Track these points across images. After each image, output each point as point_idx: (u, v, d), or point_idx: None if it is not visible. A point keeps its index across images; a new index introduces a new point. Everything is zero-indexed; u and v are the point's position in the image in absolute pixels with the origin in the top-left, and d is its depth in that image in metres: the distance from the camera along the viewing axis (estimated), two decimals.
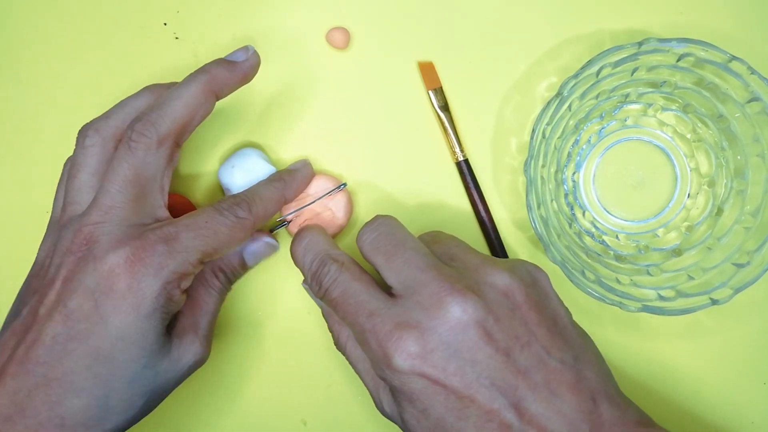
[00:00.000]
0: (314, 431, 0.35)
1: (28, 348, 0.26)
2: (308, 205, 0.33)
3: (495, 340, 0.26)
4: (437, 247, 0.30)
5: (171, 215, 0.29)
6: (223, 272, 0.32)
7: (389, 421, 0.29)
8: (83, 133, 0.30)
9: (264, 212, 0.30)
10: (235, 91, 0.36)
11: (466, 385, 0.25)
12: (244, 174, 0.33)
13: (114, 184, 0.27)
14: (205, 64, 0.30)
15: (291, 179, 0.32)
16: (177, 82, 0.30)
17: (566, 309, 0.29)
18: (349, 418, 0.35)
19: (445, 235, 0.31)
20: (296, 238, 0.31)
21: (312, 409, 0.35)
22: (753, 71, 0.31)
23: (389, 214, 0.35)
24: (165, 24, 0.36)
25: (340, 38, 0.35)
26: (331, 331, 0.31)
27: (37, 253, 0.30)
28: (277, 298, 0.35)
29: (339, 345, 0.31)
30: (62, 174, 0.32)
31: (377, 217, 0.30)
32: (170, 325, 0.29)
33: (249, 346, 0.35)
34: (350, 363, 0.30)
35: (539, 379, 0.25)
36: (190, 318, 0.30)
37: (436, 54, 0.36)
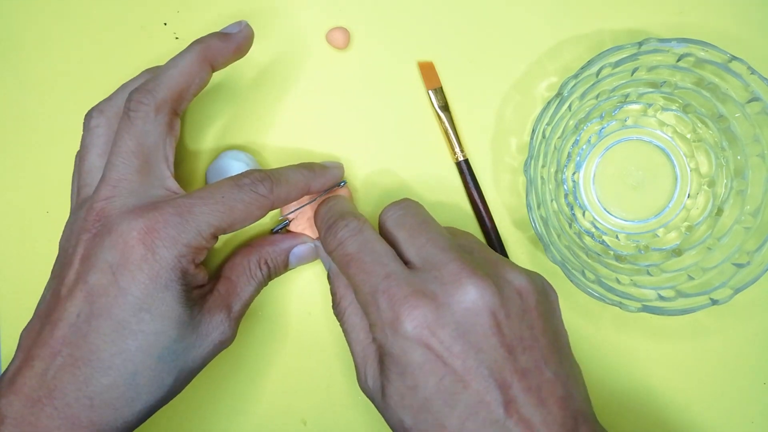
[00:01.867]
0: (314, 431, 0.35)
1: (53, 328, 0.26)
2: (309, 203, 0.33)
3: (503, 333, 0.25)
4: (457, 239, 0.30)
5: None
6: (267, 266, 0.32)
7: (383, 418, 0.28)
8: (88, 115, 0.30)
9: (286, 195, 0.30)
10: (234, 92, 0.36)
11: (466, 369, 0.25)
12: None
13: (118, 156, 0.28)
14: (201, 37, 0.30)
15: (321, 171, 0.32)
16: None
17: (566, 332, 0.29)
18: (349, 418, 0.35)
19: (463, 231, 0.31)
20: (323, 202, 0.32)
21: (312, 410, 0.35)
22: (753, 71, 0.31)
23: None
24: (165, 24, 0.36)
25: (341, 38, 0.35)
26: (333, 293, 0.31)
27: (59, 243, 0.30)
28: (277, 298, 0.35)
29: (339, 308, 0.30)
30: (75, 164, 0.32)
31: (405, 199, 0.31)
32: (201, 301, 0.29)
33: (249, 347, 0.35)
34: (344, 329, 0.30)
35: (533, 384, 0.25)
36: (225, 298, 0.30)
37: (436, 54, 0.36)
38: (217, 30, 0.31)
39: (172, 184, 0.29)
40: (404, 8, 0.36)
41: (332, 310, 0.31)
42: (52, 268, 0.29)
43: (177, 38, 0.36)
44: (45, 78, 0.36)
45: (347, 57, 0.36)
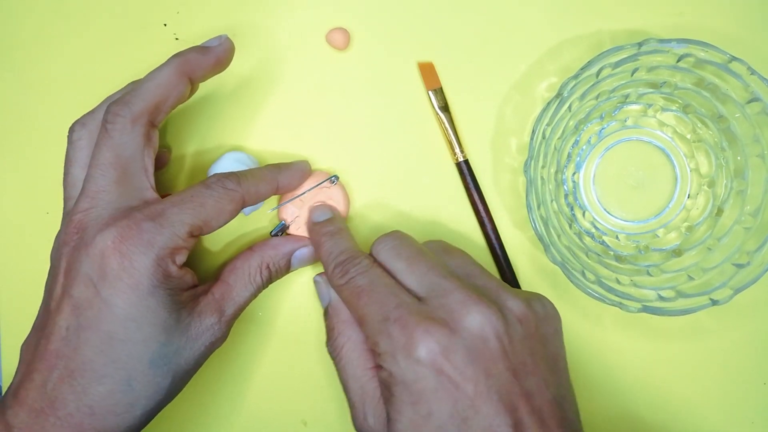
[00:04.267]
0: None
1: (47, 342, 0.26)
2: (303, 194, 0.34)
3: (509, 358, 0.26)
4: (450, 259, 0.30)
5: None
6: (269, 270, 0.32)
7: None
8: (71, 129, 0.31)
9: (255, 189, 0.30)
10: (235, 93, 0.36)
11: (478, 393, 0.25)
12: None
13: (97, 168, 0.28)
14: (181, 51, 0.30)
15: (285, 167, 0.33)
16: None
17: (564, 351, 0.29)
18: (349, 419, 0.35)
19: (455, 248, 0.32)
20: (327, 231, 0.32)
21: (312, 410, 0.35)
22: (753, 72, 0.31)
23: (389, 215, 0.35)
24: (165, 25, 0.36)
25: (340, 39, 0.35)
26: (330, 329, 0.31)
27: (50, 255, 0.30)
28: (277, 299, 0.35)
29: (335, 344, 0.30)
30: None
31: (395, 231, 0.31)
32: (192, 304, 0.29)
33: (249, 347, 0.35)
34: (340, 366, 0.30)
35: (536, 407, 0.26)
36: (219, 302, 0.30)
37: (436, 54, 0.36)
38: (211, 35, 0.31)
39: (151, 195, 0.29)
40: (404, 9, 0.36)
41: (326, 348, 0.31)
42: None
43: (177, 39, 0.36)
44: (45, 78, 0.36)
45: (347, 57, 0.36)
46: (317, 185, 0.34)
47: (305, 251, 0.33)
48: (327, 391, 0.35)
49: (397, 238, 0.30)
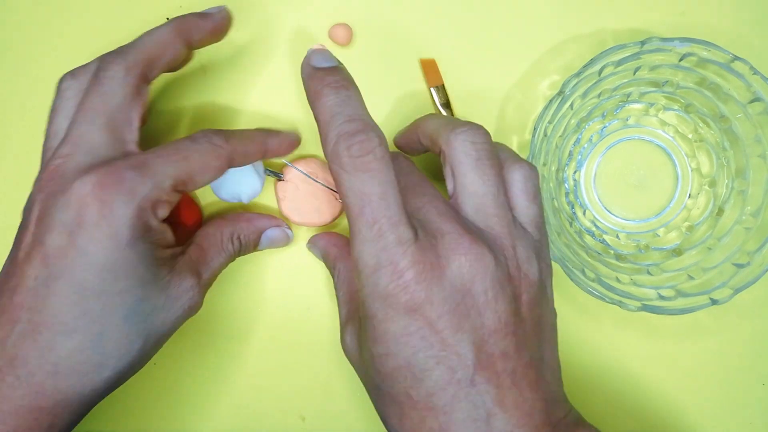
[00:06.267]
0: (313, 427, 0.35)
1: (12, 294, 0.25)
2: (312, 178, 0.34)
3: (488, 315, 0.25)
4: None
5: (173, 212, 0.29)
6: (239, 241, 0.32)
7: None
8: (61, 80, 0.29)
9: (243, 148, 0.29)
10: (236, 87, 0.36)
11: (445, 345, 0.24)
12: (232, 171, 0.32)
13: (82, 114, 0.27)
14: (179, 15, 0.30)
15: (275, 132, 0.32)
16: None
17: (554, 313, 0.29)
18: (347, 414, 0.35)
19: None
20: (332, 82, 0.26)
21: (311, 406, 0.35)
22: (755, 71, 0.31)
23: None
24: (168, 18, 0.36)
25: (343, 35, 0.35)
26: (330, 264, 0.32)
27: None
28: (275, 292, 0.35)
29: (334, 272, 0.32)
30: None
31: (398, 154, 0.30)
32: (171, 262, 0.28)
33: (247, 341, 0.35)
34: (336, 287, 0.31)
35: (509, 367, 0.25)
36: (196, 264, 0.29)
37: (438, 51, 0.36)
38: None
39: (134, 148, 0.27)
40: (407, 5, 0.36)
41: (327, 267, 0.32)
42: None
43: None
44: (46, 72, 0.36)
45: (349, 53, 0.36)
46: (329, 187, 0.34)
47: (276, 232, 0.33)
48: (325, 387, 0.35)
49: (399, 163, 0.29)
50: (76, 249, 0.25)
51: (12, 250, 0.26)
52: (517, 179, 0.28)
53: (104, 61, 0.28)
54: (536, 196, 0.28)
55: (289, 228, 0.34)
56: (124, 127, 0.28)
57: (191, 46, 0.30)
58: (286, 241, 0.34)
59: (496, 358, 0.25)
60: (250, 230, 0.32)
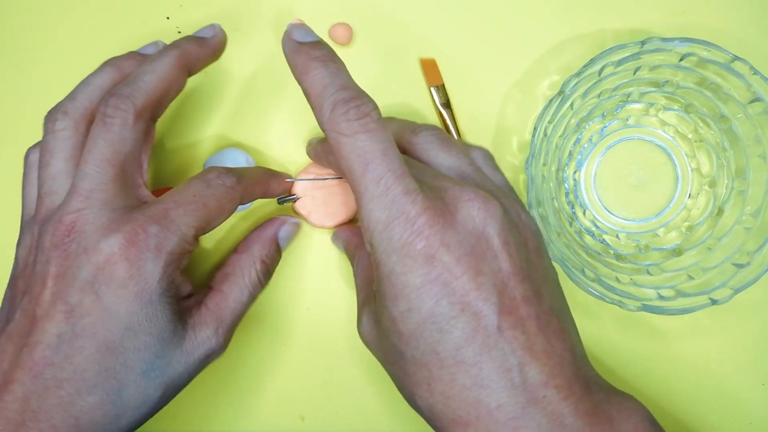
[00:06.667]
0: (312, 427, 0.35)
1: (32, 350, 0.25)
2: (321, 179, 0.34)
3: (505, 259, 0.24)
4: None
5: None
6: (264, 263, 0.31)
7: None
8: (52, 117, 0.28)
9: (252, 190, 0.30)
10: (236, 87, 0.36)
11: (466, 291, 0.23)
12: None
13: (91, 165, 0.26)
14: (176, 41, 0.30)
15: (278, 174, 0.33)
16: (135, 52, 0.31)
17: (555, 271, 0.28)
18: (347, 414, 0.35)
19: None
20: (318, 56, 0.25)
21: (310, 405, 0.35)
22: (755, 71, 0.31)
23: None
24: (168, 18, 0.36)
25: (343, 34, 0.35)
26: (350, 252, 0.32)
27: (16, 253, 0.28)
28: (274, 293, 0.35)
29: (353, 259, 0.31)
30: (26, 166, 0.30)
31: (392, 118, 0.31)
32: (186, 315, 0.28)
33: (246, 342, 0.35)
34: (355, 275, 0.31)
35: (533, 312, 0.24)
36: (215, 313, 0.29)
37: (438, 51, 0.36)
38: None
39: (144, 193, 0.28)
40: (407, 5, 0.36)
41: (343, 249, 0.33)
42: (9, 279, 0.28)
43: (179, 32, 0.36)
44: (46, 72, 0.36)
45: (349, 53, 0.36)
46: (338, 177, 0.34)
47: (288, 229, 0.33)
48: (325, 386, 0.35)
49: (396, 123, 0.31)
50: (102, 307, 0.25)
51: (23, 304, 0.26)
52: (477, 156, 0.30)
53: (110, 106, 0.27)
54: (498, 169, 0.31)
55: (293, 217, 0.34)
56: (135, 172, 0.28)
57: (192, 75, 0.30)
58: (298, 229, 0.34)
59: (519, 302, 0.24)
60: (266, 245, 0.32)
